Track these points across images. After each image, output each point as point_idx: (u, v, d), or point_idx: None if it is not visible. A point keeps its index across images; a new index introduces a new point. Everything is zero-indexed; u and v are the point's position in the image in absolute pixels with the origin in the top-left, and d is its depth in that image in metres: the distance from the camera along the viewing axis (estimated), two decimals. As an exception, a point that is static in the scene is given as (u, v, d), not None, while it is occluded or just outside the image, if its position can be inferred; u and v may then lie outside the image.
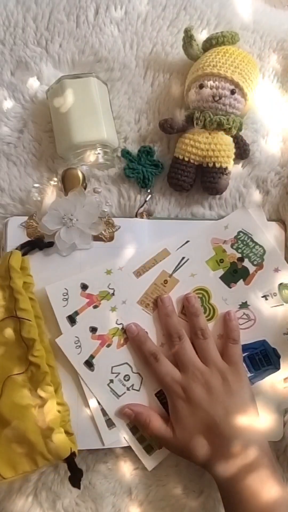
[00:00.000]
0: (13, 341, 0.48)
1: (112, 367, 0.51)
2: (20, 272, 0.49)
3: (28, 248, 0.51)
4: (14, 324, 0.48)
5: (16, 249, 0.51)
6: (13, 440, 0.46)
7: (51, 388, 0.47)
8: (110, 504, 0.52)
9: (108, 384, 0.51)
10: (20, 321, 0.47)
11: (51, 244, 0.51)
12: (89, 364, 0.51)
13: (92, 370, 0.51)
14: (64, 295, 0.51)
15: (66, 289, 0.51)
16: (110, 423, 0.51)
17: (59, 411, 0.48)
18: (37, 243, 0.51)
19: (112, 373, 0.51)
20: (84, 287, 0.52)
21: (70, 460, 0.47)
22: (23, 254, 0.51)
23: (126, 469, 0.52)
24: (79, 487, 0.49)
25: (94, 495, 0.52)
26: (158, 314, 0.52)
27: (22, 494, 0.51)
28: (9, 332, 0.48)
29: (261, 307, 0.53)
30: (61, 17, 0.55)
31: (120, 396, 0.51)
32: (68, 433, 0.48)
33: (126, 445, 0.51)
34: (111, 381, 0.51)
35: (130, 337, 0.51)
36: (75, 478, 0.48)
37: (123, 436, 0.51)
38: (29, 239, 0.51)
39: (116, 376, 0.51)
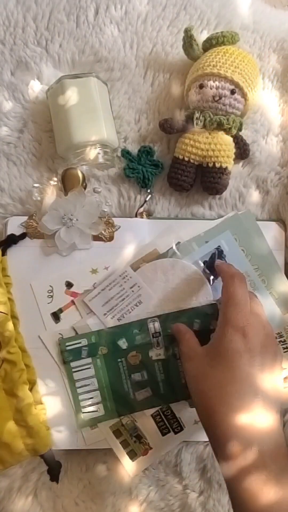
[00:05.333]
0: None
1: None
2: None
3: (4, 246, 0.51)
4: None
5: None
6: None
7: (27, 386, 0.47)
8: (110, 504, 0.52)
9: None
10: None
11: (24, 236, 0.51)
12: None
13: None
14: (49, 292, 0.51)
15: (51, 286, 0.51)
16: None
17: (35, 408, 0.48)
18: (11, 239, 0.51)
19: None
20: (69, 285, 0.52)
21: (47, 455, 0.49)
22: (2, 254, 0.51)
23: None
24: (57, 481, 0.50)
25: (94, 495, 0.52)
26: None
27: (22, 494, 0.51)
28: None
29: None
30: (61, 17, 0.55)
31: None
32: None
33: (109, 447, 0.51)
34: None
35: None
36: (54, 472, 0.50)
37: (105, 438, 0.51)
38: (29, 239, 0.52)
39: None
